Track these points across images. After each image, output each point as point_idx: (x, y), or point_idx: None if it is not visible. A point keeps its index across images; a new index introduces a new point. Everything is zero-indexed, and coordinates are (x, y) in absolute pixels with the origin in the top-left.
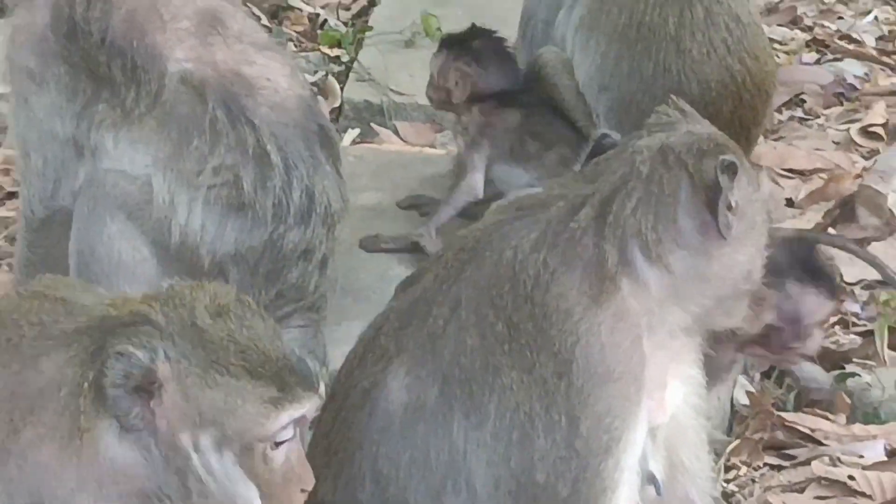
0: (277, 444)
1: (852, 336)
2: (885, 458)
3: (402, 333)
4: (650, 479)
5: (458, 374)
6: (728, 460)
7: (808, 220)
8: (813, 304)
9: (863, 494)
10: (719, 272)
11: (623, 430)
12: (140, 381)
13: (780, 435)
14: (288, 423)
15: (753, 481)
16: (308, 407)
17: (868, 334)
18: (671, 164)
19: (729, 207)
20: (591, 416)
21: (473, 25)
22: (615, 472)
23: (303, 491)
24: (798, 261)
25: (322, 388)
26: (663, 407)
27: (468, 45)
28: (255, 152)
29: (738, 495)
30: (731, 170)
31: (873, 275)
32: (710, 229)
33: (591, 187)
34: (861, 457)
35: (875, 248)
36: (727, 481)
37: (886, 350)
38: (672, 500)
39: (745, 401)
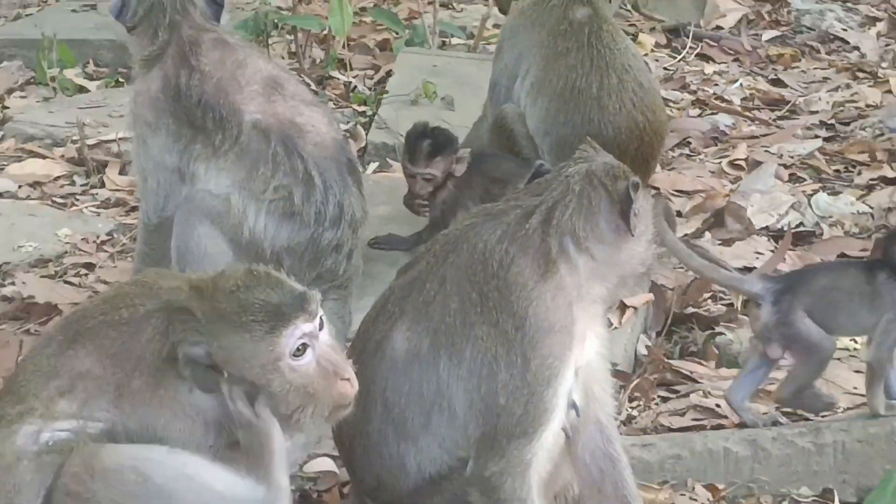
0: (298, 355)
1: (719, 306)
2: None
3: (403, 302)
4: (572, 405)
5: (444, 329)
6: (631, 393)
7: (691, 226)
8: None
9: (724, 416)
10: (626, 259)
11: (560, 368)
12: (203, 367)
13: (669, 376)
14: (295, 338)
15: (649, 408)
16: (304, 323)
17: (730, 306)
18: (595, 184)
19: (635, 214)
20: (539, 357)
21: (417, 127)
22: (554, 398)
23: (345, 379)
24: None
25: (317, 309)
26: (584, 353)
27: (423, 148)
28: (303, 177)
29: (638, 418)
30: (636, 188)
31: (738, 264)
32: (621, 229)
33: (539, 199)
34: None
35: (738, 246)
36: (631, 408)
37: (742, 314)
38: (587, 420)
39: (645, 351)
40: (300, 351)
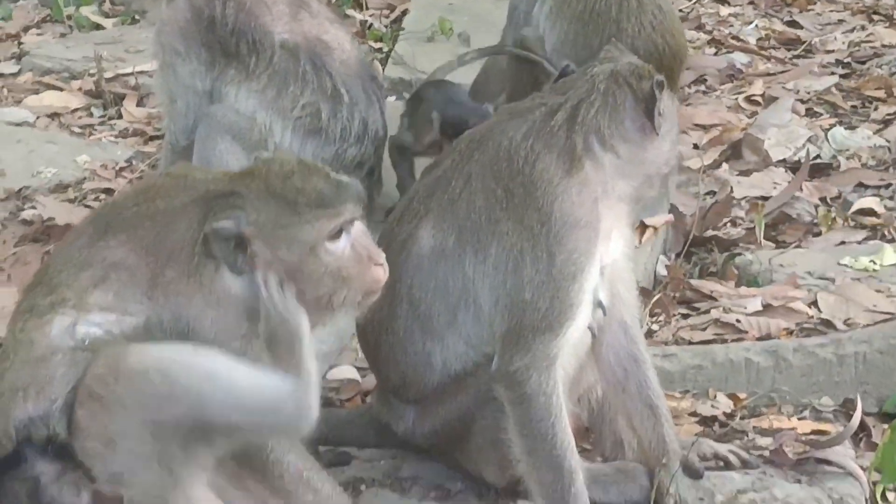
0: (335, 239)
1: (739, 230)
2: (761, 308)
3: (428, 200)
4: (599, 304)
5: (470, 226)
6: (652, 309)
7: (709, 157)
8: None
9: (745, 331)
10: (651, 158)
11: (585, 264)
12: (234, 242)
13: (689, 294)
14: (337, 223)
15: (669, 323)
16: (346, 213)
17: (750, 229)
18: (620, 83)
19: (659, 113)
20: (564, 252)
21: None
22: (579, 294)
23: (378, 264)
24: None
25: (358, 198)
26: (609, 252)
27: (423, 99)
28: (331, 93)
29: (659, 332)
30: (661, 86)
31: (755, 193)
32: (646, 128)
33: (564, 97)
34: (744, 308)
35: (755, 177)
36: (651, 322)
37: (762, 239)
38: (611, 321)
39: (664, 272)
40: (337, 235)
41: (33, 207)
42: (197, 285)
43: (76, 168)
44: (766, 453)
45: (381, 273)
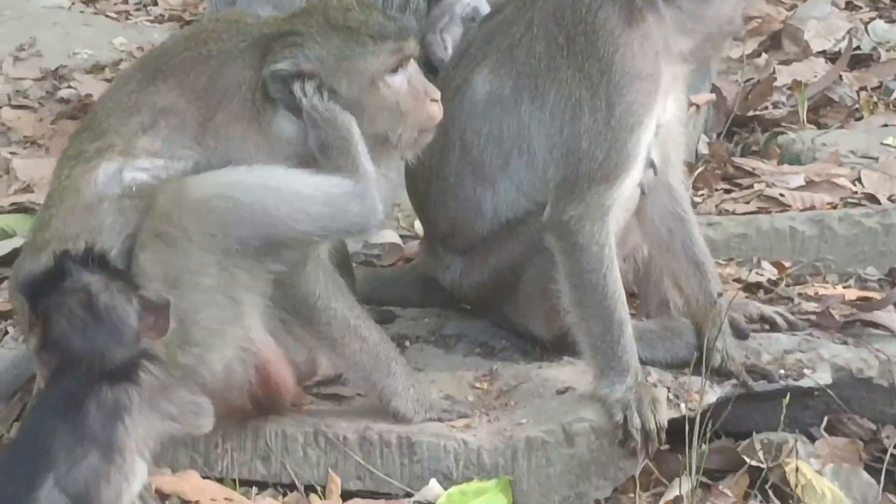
0: (393, 74)
1: (781, 110)
2: (804, 184)
3: (486, 46)
4: (650, 163)
5: (528, 72)
6: (695, 183)
7: (749, 47)
8: None
9: (788, 205)
10: (713, 15)
11: (643, 116)
12: (291, 81)
13: (731, 170)
14: (396, 57)
15: (712, 196)
16: (406, 48)
17: (792, 112)
18: None
19: None
20: (624, 103)
21: None
22: (636, 146)
23: (433, 101)
24: None
25: (414, 37)
26: (666, 110)
27: None
28: None
29: (702, 204)
30: None
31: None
32: None
33: None
34: (787, 184)
35: (795, 66)
36: (695, 195)
37: (805, 120)
38: (659, 182)
39: (706, 150)
40: (397, 69)
41: (70, 87)
42: (250, 128)
43: (112, 50)
44: (813, 317)
45: (437, 110)
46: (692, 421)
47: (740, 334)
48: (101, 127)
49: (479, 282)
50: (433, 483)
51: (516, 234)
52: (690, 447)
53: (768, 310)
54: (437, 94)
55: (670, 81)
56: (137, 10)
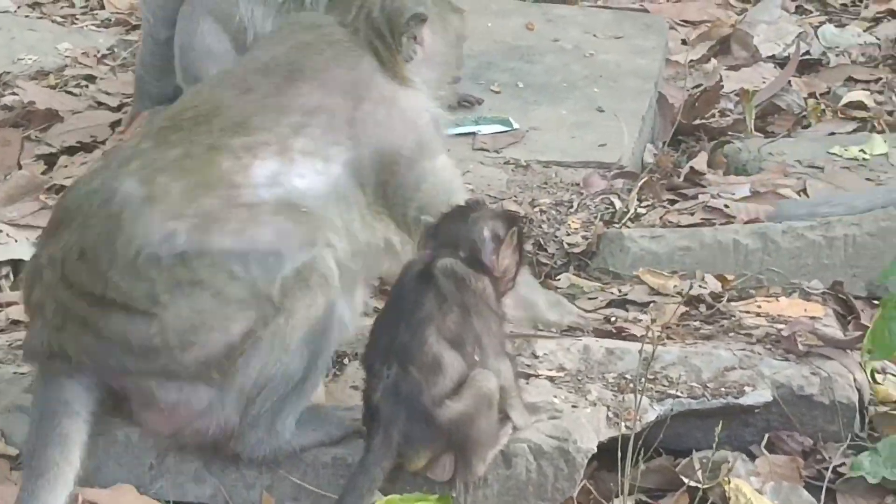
0: None
1: (727, 119)
2: (749, 195)
3: None
4: None
5: None
6: (639, 193)
7: (697, 52)
8: None
9: (733, 217)
10: None
11: None
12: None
13: (676, 181)
14: None
15: (655, 207)
16: None
17: (738, 120)
18: None
19: None
20: None
21: None
22: None
23: None
24: None
25: None
26: None
27: None
28: None
29: (647, 215)
30: None
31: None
32: None
33: None
34: (733, 194)
35: (744, 72)
36: (639, 206)
37: (753, 129)
38: None
39: (651, 160)
40: None
41: (14, 93)
42: (394, 110)
43: (57, 55)
44: (753, 333)
45: None
46: (626, 440)
47: None
48: (249, 124)
49: None
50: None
51: None
52: (624, 467)
53: None
54: None
55: None
56: (84, 14)
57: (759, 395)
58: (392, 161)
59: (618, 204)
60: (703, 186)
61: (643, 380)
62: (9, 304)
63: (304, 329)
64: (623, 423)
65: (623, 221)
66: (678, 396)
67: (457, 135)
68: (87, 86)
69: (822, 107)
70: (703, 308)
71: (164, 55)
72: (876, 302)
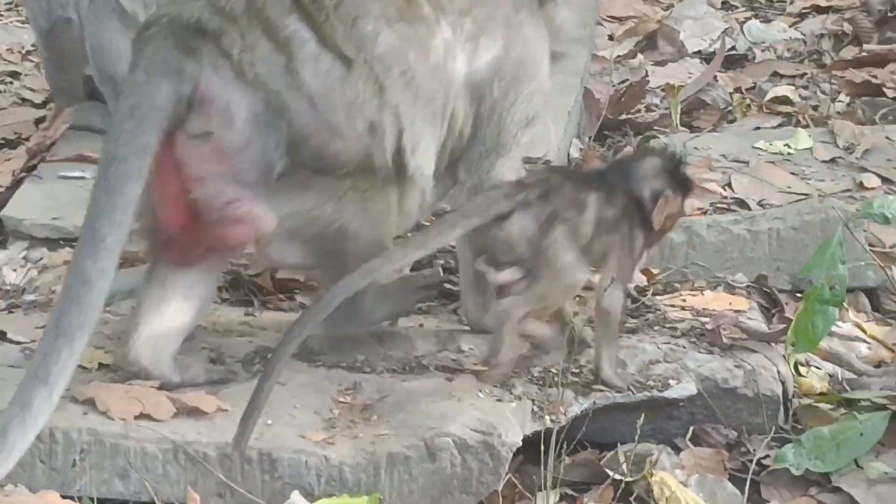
0: None
1: (653, 115)
2: None
3: None
4: None
5: None
6: None
7: (624, 48)
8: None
9: None
10: None
11: None
12: None
13: None
14: None
15: None
16: None
17: (664, 115)
18: None
19: None
20: None
21: None
22: None
23: None
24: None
25: None
26: None
27: None
28: None
29: None
30: None
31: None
32: None
33: None
34: None
35: (670, 67)
36: None
37: (678, 123)
38: None
39: (577, 154)
40: None
41: None
42: (540, 26)
43: None
44: (678, 326)
45: None
46: (550, 433)
47: None
48: None
49: None
50: (295, 496)
51: None
52: (548, 460)
53: None
54: None
55: None
56: (8, 10)
57: (683, 389)
58: (524, 74)
59: None
60: None
61: (567, 373)
62: None
63: None
64: (548, 417)
65: None
66: (602, 390)
67: None
68: (11, 82)
69: (748, 102)
70: (628, 302)
71: (51, 46)
72: (799, 295)
